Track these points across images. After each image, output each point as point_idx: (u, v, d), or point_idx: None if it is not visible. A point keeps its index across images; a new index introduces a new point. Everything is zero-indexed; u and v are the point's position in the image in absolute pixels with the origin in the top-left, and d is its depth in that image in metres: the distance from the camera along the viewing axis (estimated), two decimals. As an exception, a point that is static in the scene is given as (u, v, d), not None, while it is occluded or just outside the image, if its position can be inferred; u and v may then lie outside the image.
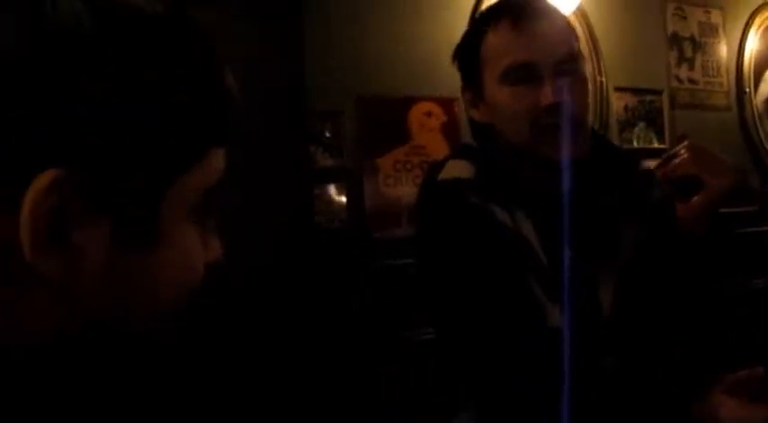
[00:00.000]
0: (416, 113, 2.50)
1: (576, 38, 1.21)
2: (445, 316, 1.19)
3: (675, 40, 3.34)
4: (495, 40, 1.17)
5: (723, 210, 1.29)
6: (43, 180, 0.42)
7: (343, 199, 2.35)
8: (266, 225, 1.73)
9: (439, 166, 1.24)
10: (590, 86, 1.32)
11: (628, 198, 1.21)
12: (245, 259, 1.26)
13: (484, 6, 2.64)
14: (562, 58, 1.14)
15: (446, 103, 2.55)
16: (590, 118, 1.22)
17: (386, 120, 2.45)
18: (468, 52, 1.23)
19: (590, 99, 1.25)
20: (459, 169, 1.20)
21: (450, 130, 2.54)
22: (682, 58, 3.35)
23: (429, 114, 2.52)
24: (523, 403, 1.10)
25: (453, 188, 1.18)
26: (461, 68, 1.28)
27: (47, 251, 0.43)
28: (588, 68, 2.91)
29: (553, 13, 1.19)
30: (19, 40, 0.42)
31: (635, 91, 3.15)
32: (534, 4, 1.19)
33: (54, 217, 0.42)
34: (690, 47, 3.38)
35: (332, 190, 2.33)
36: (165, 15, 0.48)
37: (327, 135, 2.33)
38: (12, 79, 0.41)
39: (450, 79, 2.56)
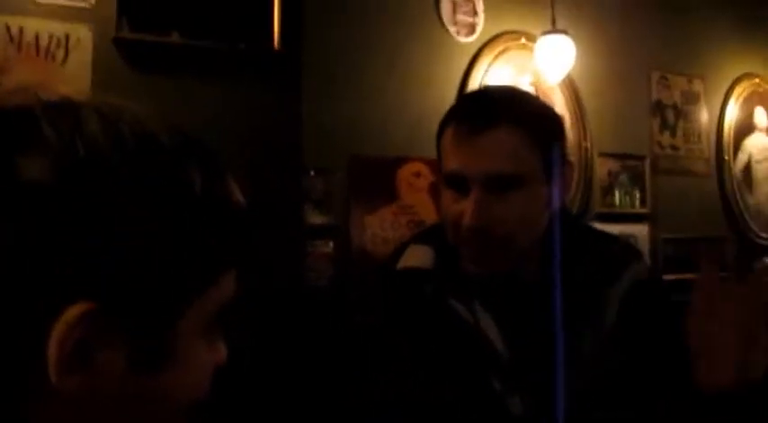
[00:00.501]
0: (405, 173, 2.56)
1: (527, 156, 1.09)
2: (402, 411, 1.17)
3: (659, 108, 3.44)
4: (444, 141, 1.13)
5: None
6: (73, 312, 0.44)
7: (332, 256, 2.38)
8: (261, 282, 1.76)
9: (399, 250, 1.23)
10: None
11: (592, 285, 1.16)
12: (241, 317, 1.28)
13: (474, 74, 2.73)
14: (493, 175, 1.07)
15: (434, 164, 2.59)
16: (532, 231, 1.13)
17: (376, 179, 2.51)
18: (436, 144, 1.20)
19: (537, 212, 1.12)
20: (418, 258, 1.20)
21: (437, 190, 2.59)
22: (664, 125, 3.45)
23: (418, 175, 2.57)
24: None
25: (410, 279, 1.17)
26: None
27: (70, 373, 0.45)
28: (574, 135, 2.99)
29: (503, 127, 1.08)
30: (49, 171, 0.45)
31: (618, 156, 3.23)
32: (486, 113, 1.10)
33: (81, 343, 0.45)
34: (672, 114, 3.49)
35: (321, 247, 2.37)
36: (179, 143, 0.51)
37: (318, 193, 2.37)
38: (42, 210, 0.44)
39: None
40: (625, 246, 1.27)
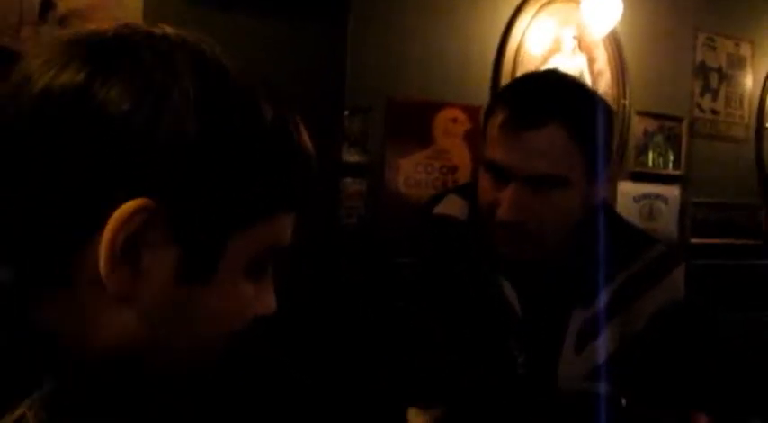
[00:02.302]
0: (442, 119, 2.58)
1: (571, 157, 1.07)
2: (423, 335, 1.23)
3: (702, 70, 3.39)
4: (490, 125, 1.11)
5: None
6: (130, 206, 0.47)
7: (364, 195, 2.43)
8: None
9: (438, 197, 1.27)
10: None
11: (626, 287, 1.15)
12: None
13: (518, 24, 2.72)
14: (532, 174, 1.06)
15: (472, 111, 2.62)
16: (565, 227, 1.13)
17: (412, 122, 2.53)
18: (483, 122, 1.19)
19: (573, 210, 1.11)
20: (454, 208, 1.23)
21: (473, 137, 2.62)
22: (706, 88, 3.41)
23: (454, 121, 2.60)
24: None
25: (445, 225, 1.22)
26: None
27: (118, 269, 0.48)
28: (613, 91, 2.98)
29: (552, 126, 1.06)
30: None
31: (656, 116, 3.21)
32: (537, 109, 1.07)
33: (132, 239, 0.47)
34: (716, 78, 3.44)
35: (354, 185, 2.42)
36: (256, 82, 0.54)
37: (355, 132, 2.41)
38: (123, 122, 0.48)
39: (477, 88, 2.66)
40: (665, 253, 1.20)
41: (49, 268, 0.49)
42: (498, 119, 1.09)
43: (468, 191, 1.23)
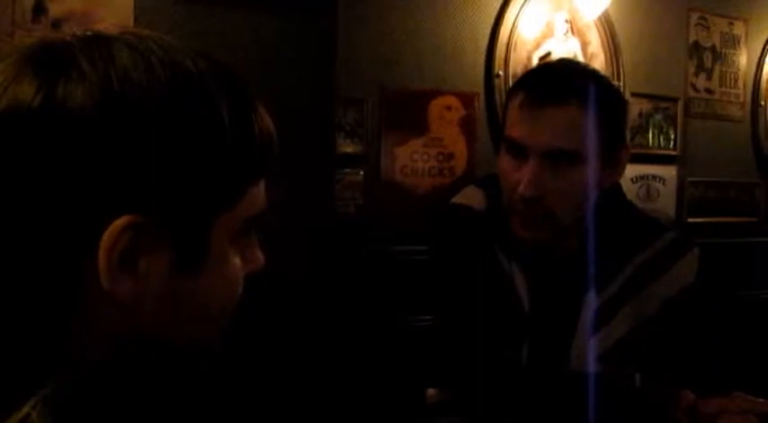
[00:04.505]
0: (437, 106, 2.59)
1: (588, 135, 1.12)
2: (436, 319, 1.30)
3: (696, 50, 3.39)
4: (511, 106, 1.17)
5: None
6: (118, 224, 0.50)
7: (360, 184, 2.45)
8: (291, 208, 1.83)
9: (458, 188, 1.32)
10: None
11: (639, 273, 1.19)
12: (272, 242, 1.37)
13: (509, 9, 2.72)
14: (554, 149, 1.11)
15: (466, 98, 2.63)
16: (578, 208, 1.17)
17: (407, 111, 2.54)
18: (504, 106, 1.25)
19: (587, 190, 1.16)
20: (472, 198, 1.27)
21: (468, 124, 2.63)
22: (701, 68, 3.41)
23: (449, 108, 2.60)
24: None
25: (462, 215, 1.26)
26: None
27: (120, 279, 0.51)
28: (607, 73, 2.98)
29: (570, 103, 1.11)
30: (89, 100, 0.49)
31: (651, 97, 3.22)
32: (556, 87, 1.14)
33: (126, 252, 0.50)
34: (710, 57, 3.44)
35: (351, 175, 2.43)
36: (207, 70, 0.55)
37: (351, 122, 2.42)
38: (85, 135, 0.49)
39: (471, 75, 2.67)
40: (676, 238, 1.24)
41: (51, 278, 0.51)
42: (518, 99, 1.15)
43: (488, 183, 1.28)
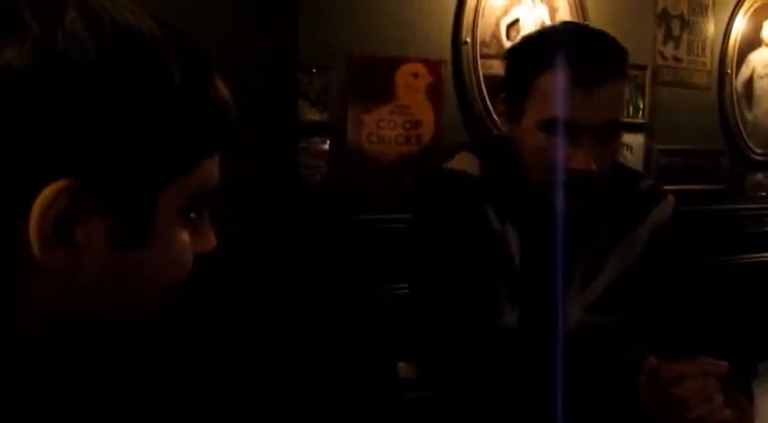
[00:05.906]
0: (403, 73, 2.56)
1: (625, 105, 1.19)
2: (414, 290, 1.29)
3: (664, 18, 3.39)
4: (549, 84, 1.13)
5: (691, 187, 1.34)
6: (53, 187, 0.47)
7: (326, 153, 2.41)
8: (254, 176, 1.80)
9: (448, 153, 1.30)
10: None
11: (623, 220, 1.23)
12: (235, 211, 1.34)
13: (477, -27, 2.68)
14: (606, 124, 1.13)
15: (433, 65, 2.60)
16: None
17: (373, 78, 2.50)
18: (520, 76, 1.20)
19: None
20: (467, 163, 1.26)
21: (435, 92, 2.60)
22: (669, 36, 3.41)
23: (416, 75, 2.57)
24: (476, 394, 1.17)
25: (457, 179, 1.24)
26: (507, 79, 1.26)
27: (52, 248, 0.48)
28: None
29: (614, 74, 1.14)
30: (28, 57, 0.47)
31: (619, 65, 3.21)
32: (605, 64, 1.14)
33: (61, 218, 0.48)
34: (678, 25, 3.44)
35: (317, 144, 2.39)
36: (161, 35, 0.52)
37: (316, 90, 2.38)
38: (21, 93, 0.47)
39: (438, 42, 2.63)
40: (653, 185, 1.35)
41: None
42: (561, 77, 1.12)
43: (481, 148, 1.29)
